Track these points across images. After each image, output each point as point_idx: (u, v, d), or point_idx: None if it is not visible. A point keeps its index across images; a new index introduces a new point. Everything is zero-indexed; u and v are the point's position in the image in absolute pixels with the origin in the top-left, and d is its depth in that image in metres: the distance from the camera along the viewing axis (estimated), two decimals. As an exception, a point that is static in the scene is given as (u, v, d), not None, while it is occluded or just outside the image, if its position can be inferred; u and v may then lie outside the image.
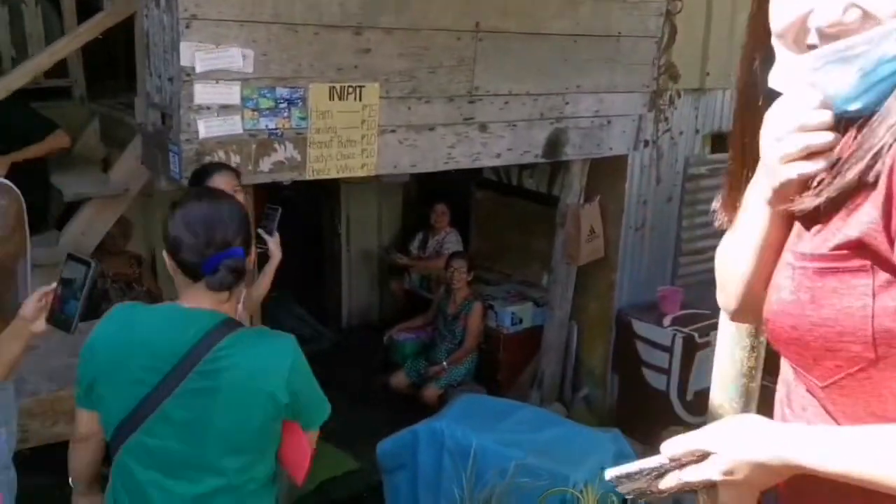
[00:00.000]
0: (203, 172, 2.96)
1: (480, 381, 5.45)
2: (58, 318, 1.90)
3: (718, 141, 5.55)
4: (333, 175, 3.65)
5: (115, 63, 5.08)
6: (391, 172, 3.84)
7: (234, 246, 1.84)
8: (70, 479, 2.12)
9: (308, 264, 6.39)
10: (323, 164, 3.60)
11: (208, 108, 3.24)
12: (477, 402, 4.05)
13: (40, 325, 1.93)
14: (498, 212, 6.22)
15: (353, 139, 3.65)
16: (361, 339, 6.84)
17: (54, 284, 1.92)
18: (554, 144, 4.35)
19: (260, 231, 3.24)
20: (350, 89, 3.57)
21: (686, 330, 4.91)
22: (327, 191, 6.61)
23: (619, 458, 3.31)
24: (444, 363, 5.26)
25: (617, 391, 5.38)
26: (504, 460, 3.37)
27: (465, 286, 5.38)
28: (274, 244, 3.26)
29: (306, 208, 6.30)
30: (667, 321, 5.05)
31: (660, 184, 5.29)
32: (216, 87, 3.25)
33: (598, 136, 4.53)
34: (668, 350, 4.88)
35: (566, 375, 5.52)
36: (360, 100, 3.61)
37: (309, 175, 3.58)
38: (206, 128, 3.25)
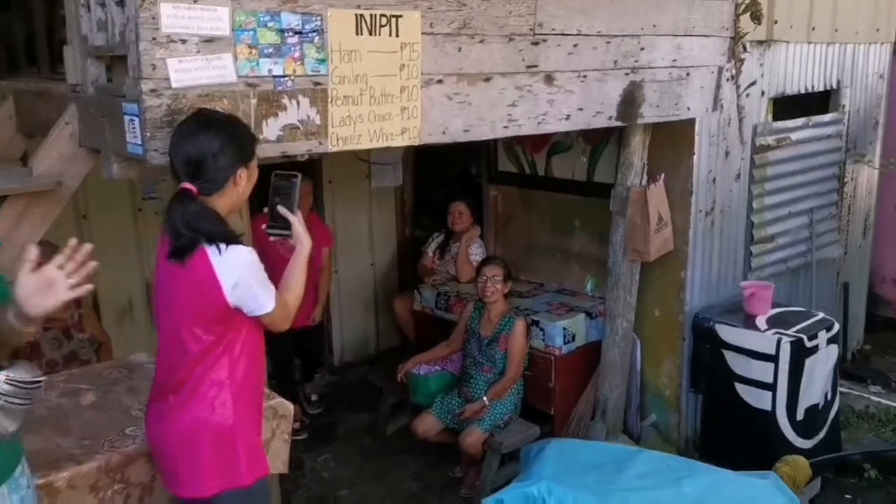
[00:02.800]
0: None
1: (526, 416, 4.36)
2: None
3: (781, 106, 4.64)
4: (366, 145, 2.56)
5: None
6: (439, 141, 2.76)
7: None
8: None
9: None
10: (351, 129, 2.50)
11: (183, 41, 2.12)
12: (571, 451, 2.98)
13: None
14: (521, 209, 5.17)
15: (389, 92, 2.57)
16: (359, 378, 5.68)
17: None
18: (629, 102, 3.35)
19: (279, 209, 2.20)
20: (384, 19, 2.49)
21: (792, 333, 3.93)
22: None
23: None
24: (486, 398, 4.15)
25: (700, 415, 4.35)
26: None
27: (503, 300, 4.30)
28: (300, 226, 2.23)
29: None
30: (761, 324, 4.06)
31: (728, 157, 4.33)
32: (193, 11, 2.13)
33: (677, 92, 3.54)
34: (773, 359, 3.88)
35: (631, 400, 4.48)
36: (398, 35, 2.54)
37: (332, 145, 2.48)
38: (181, 71, 2.13)
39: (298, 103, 2.36)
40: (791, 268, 4.90)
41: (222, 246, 2.03)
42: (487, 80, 2.83)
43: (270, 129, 2.33)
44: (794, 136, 4.68)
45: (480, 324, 4.34)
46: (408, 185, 5.86)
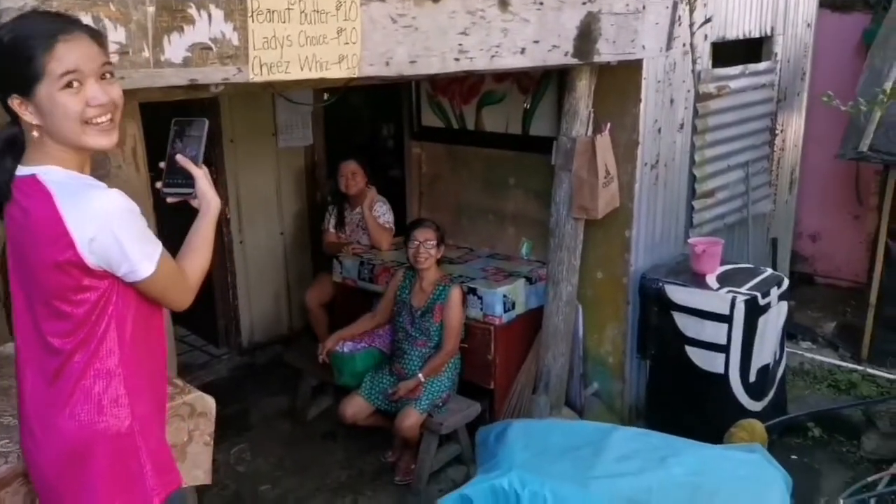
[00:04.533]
0: None
1: (463, 392, 3.98)
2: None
3: (720, 53, 4.40)
4: (295, 74, 2.06)
5: None
6: (380, 74, 2.29)
7: None
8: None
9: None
10: (277, 54, 2.00)
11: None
12: (538, 433, 2.62)
13: None
14: (449, 168, 4.75)
15: (324, 8, 2.07)
16: (272, 359, 5.16)
17: None
18: (586, 36, 2.97)
19: (178, 159, 1.69)
20: (315, -87, 1.99)
21: (745, 291, 3.70)
22: (208, 151, 4.85)
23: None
24: (421, 375, 3.74)
25: (646, 381, 4.10)
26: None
27: (436, 267, 3.89)
28: (206, 180, 1.73)
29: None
30: (712, 283, 3.83)
31: (672, 105, 4.05)
32: None
33: (633, 27, 3.20)
34: (727, 319, 3.65)
35: (573, 369, 4.18)
36: (332, -64, 2.04)
37: (254, 73, 1.97)
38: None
39: (210, 16, 1.84)
40: (728, 224, 4.71)
41: (76, 183, 1.55)
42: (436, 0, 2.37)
43: (174, 49, 1.80)
44: (733, 84, 4.46)
45: (412, 294, 3.91)
46: (319, 145, 5.31)
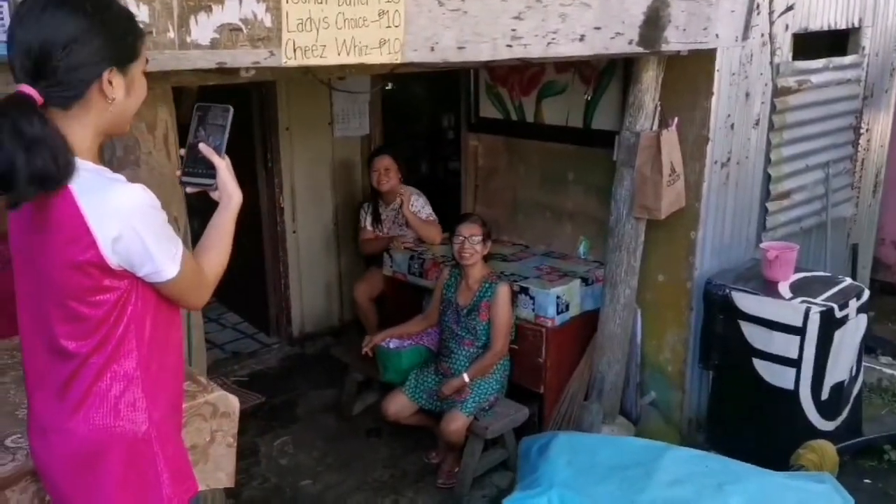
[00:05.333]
0: None
1: (512, 395, 3.82)
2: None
3: (802, 45, 4.10)
4: (332, 59, 1.93)
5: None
6: (425, 60, 2.14)
7: None
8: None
9: (240, 252, 4.50)
10: (313, 37, 1.87)
11: None
12: (585, 448, 2.44)
13: None
14: (506, 161, 4.57)
15: (364, -11, 1.94)
16: (322, 351, 5.10)
17: None
18: (653, 23, 2.76)
19: (201, 148, 1.58)
20: None
21: (820, 302, 3.43)
22: (263, 142, 4.80)
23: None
24: (466, 376, 3.60)
25: (708, 394, 3.86)
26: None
27: (482, 263, 3.72)
28: (228, 172, 1.62)
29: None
30: (785, 291, 3.56)
31: (748, 100, 3.78)
32: None
33: (706, 14, 2.97)
34: (799, 332, 3.38)
35: (629, 377, 3.97)
36: None
37: (288, 56, 1.85)
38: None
39: (240, -5, 1.72)
40: (804, 228, 4.41)
41: (98, 178, 1.43)
42: (488, -18, 2.21)
43: (201, 30, 1.69)
44: (815, 78, 4.15)
45: (457, 292, 3.77)
46: (376, 135, 5.21)
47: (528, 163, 4.45)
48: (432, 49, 2.14)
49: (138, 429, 1.55)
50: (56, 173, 1.37)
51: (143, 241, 1.43)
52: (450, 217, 4.88)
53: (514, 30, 2.31)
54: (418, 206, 4.49)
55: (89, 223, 1.39)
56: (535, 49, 2.39)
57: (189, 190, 1.64)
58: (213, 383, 1.99)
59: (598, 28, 2.56)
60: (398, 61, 2.07)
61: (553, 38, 2.43)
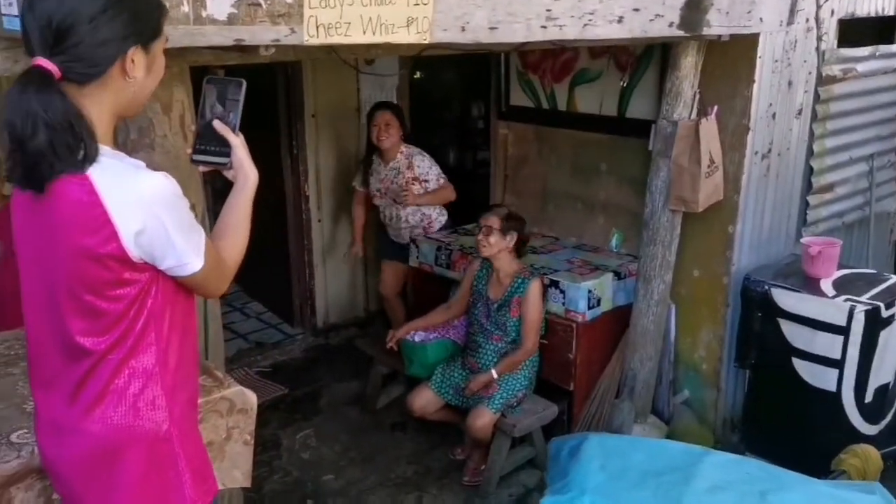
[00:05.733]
0: None
1: (540, 391, 3.71)
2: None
3: (846, 31, 3.91)
4: (357, 38, 1.82)
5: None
6: (455, 41, 2.03)
7: None
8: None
9: (264, 240, 4.40)
10: (337, 13, 1.77)
11: None
12: (618, 451, 2.32)
13: None
14: (536, 150, 4.45)
15: (391, -36, 1.83)
16: (346, 342, 5.03)
17: None
18: (695, 5, 2.62)
19: (216, 125, 1.50)
20: None
21: (865, 300, 3.27)
22: (289, 128, 4.71)
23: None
24: (494, 372, 3.49)
25: (744, 394, 3.72)
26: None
27: (510, 257, 3.59)
28: (243, 150, 1.53)
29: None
30: (827, 288, 3.41)
31: (791, 88, 3.62)
32: None
33: (750, -3, 2.81)
34: (843, 332, 3.23)
35: (662, 374, 3.84)
36: None
37: (310, 35, 1.75)
38: None
39: (260, -32, 1.62)
40: (846, 223, 4.23)
41: (118, 164, 1.34)
42: (521, -40, 2.09)
43: (217, 5, 1.60)
44: (861, 67, 3.96)
45: (488, 285, 3.66)
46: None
47: (560, 152, 4.32)
48: (463, 29, 2.02)
49: (159, 428, 1.47)
50: (82, 156, 1.28)
51: (168, 233, 1.35)
52: (478, 209, 4.77)
53: (549, 10, 2.19)
54: (423, 167, 4.21)
55: (111, 213, 1.30)
56: (570, 31, 2.26)
57: (202, 169, 1.56)
58: (229, 377, 1.91)
59: (637, 10, 2.43)
60: (426, 41, 1.96)
61: (590, 20, 2.31)
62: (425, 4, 1.91)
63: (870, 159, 4.25)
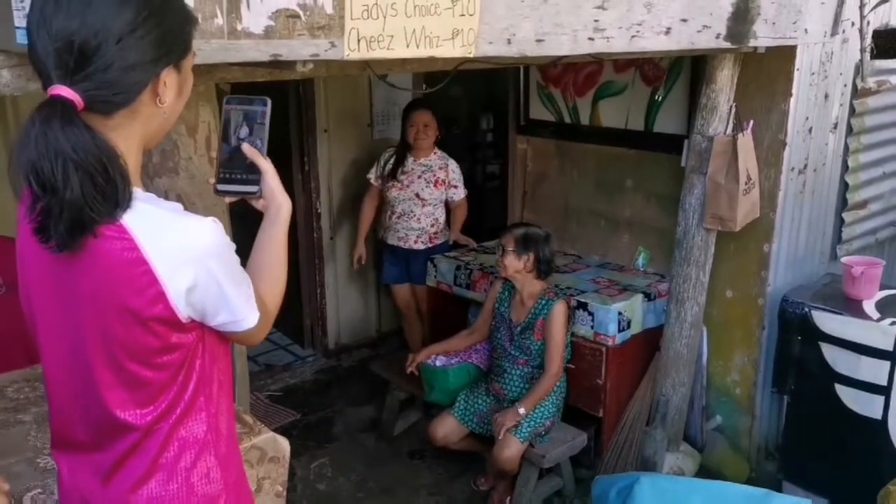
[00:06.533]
0: None
1: (567, 418, 3.55)
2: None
3: (883, 42, 3.77)
4: (401, 52, 1.67)
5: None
6: (500, 54, 1.88)
7: None
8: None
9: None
10: (380, 26, 1.62)
11: None
12: (674, 495, 2.15)
13: None
14: (558, 166, 4.30)
15: (436, -27, 1.68)
16: (359, 363, 4.86)
17: None
18: (742, 16, 2.48)
19: (244, 148, 1.33)
20: None
21: (913, 322, 3.12)
22: (300, 143, 4.55)
23: None
24: (522, 409, 3.28)
25: (782, 420, 3.56)
26: None
27: (532, 278, 3.43)
28: (275, 177, 1.38)
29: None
30: (871, 311, 3.25)
31: (827, 101, 3.48)
32: None
33: (796, 6, 2.67)
34: (890, 357, 3.07)
35: (694, 400, 3.68)
36: None
37: (351, 49, 1.60)
38: None
39: (298, -24, 1.47)
40: (879, 240, 4.09)
41: (158, 211, 1.16)
42: (570, -34, 1.95)
43: (254, 16, 1.44)
44: (894, 79, 3.83)
45: (511, 307, 3.50)
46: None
47: (582, 168, 4.17)
48: (509, 42, 1.87)
49: (215, 503, 1.29)
50: (117, 201, 1.10)
51: (222, 287, 1.18)
52: (487, 222, 4.62)
53: (596, 20, 2.05)
54: (457, 175, 4.23)
55: (156, 270, 1.12)
56: (618, 42, 2.12)
57: (228, 200, 1.39)
58: (260, 423, 1.74)
59: (684, 20, 2.28)
60: (472, 55, 1.81)
61: (638, 31, 2.16)
62: (471, 16, 1.76)
63: (902, 174, 4.11)
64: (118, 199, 1.11)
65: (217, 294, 1.19)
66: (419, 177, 4.15)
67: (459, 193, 4.23)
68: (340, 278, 4.84)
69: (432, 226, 4.22)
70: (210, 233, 1.16)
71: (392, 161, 4.19)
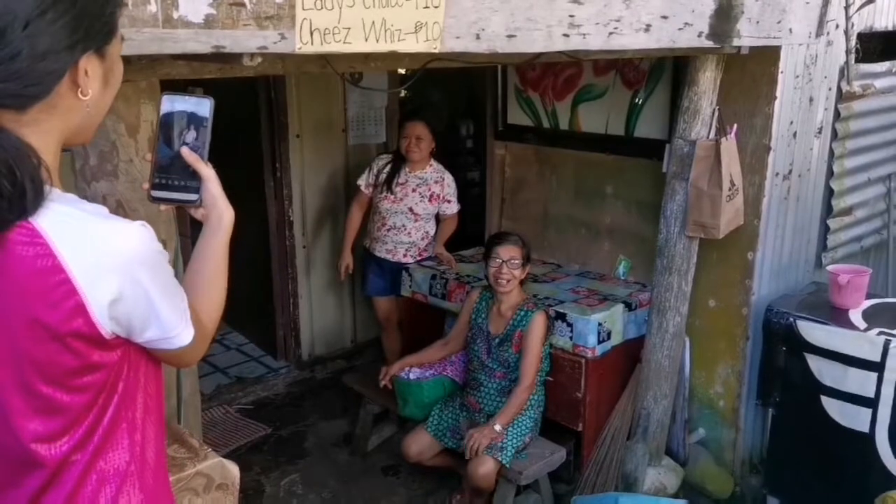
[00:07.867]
0: None
1: (546, 432, 3.42)
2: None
3: (867, 45, 3.70)
4: (358, 47, 1.55)
5: None
6: (469, 50, 1.76)
7: None
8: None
9: (247, 269, 4.09)
10: (335, 16, 1.49)
11: None
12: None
13: None
14: (536, 172, 4.19)
15: (397, -41, 1.56)
16: (333, 375, 4.72)
17: None
18: (725, 14, 2.38)
19: (185, 153, 1.19)
20: None
21: (900, 332, 3.03)
22: (271, 149, 4.41)
23: None
24: (498, 426, 3.15)
25: (765, 434, 3.46)
26: None
27: (518, 288, 3.34)
28: (217, 184, 1.22)
29: (236, 182, 4.05)
30: (857, 320, 3.16)
31: (811, 105, 3.39)
32: None
33: (780, 4, 2.58)
34: (877, 368, 2.98)
35: (676, 413, 3.57)
36: None
37: (303, 41, 1.47)
38: None
39: (243, -41, 1.35)
40: (864, 247, 4.01)
41: (78, 213, 1.02)
42: (543, -40, 1.83)
43: (192, 4, 1.31)
44: (878, 83, 3.76)
45: (488, 318, 3.38)
46: (392, 143, 4.83)
47: (562, 174, 4.06)
48: (478, 37, 1.76)
49: None
50: (24, 207, 0.96)
51: (151, 299, 1.05)
52: (469, 230, 4.49)
53: (571, 16, 1.93)
54: (452, 189, 4.08)
55: (75, 279, 0.98)
56: (594, 40, 2.00)
57: (163, 207, 1.26)
58: (206, 447, 1.60)
59: (665, 17, 2.18)
60: (437, 50, 1.68)
61: (616, 27, 2.05)
62: (436, 8, 1.64)
63: (887, 180, 4.04)
64: (26, 205, 0.97)
65: (145, 307, 1.05)
66: (413, 190, 4.02)
67: (452, 208, 4.10)
68: (315, 287, 4.70)
69: (423, 239, 4.09)
70: (138, 238, 1.03)
71: (387, 170, 4.06)
